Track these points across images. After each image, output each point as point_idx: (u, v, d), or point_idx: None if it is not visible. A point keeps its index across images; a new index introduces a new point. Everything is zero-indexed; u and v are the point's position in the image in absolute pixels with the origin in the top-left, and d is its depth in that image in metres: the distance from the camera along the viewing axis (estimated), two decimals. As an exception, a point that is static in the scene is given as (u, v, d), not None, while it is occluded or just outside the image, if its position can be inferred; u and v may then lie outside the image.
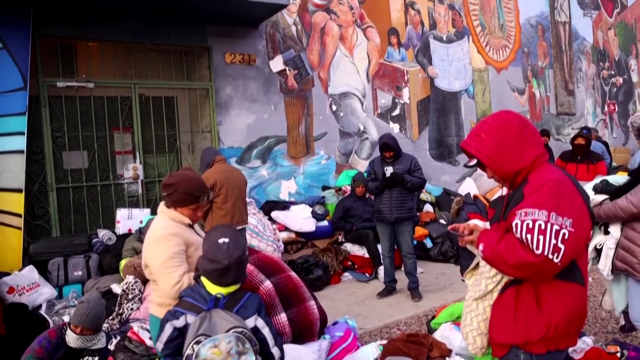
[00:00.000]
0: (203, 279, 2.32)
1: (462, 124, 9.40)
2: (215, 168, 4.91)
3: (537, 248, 1.71)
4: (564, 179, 1.81)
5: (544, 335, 1.80)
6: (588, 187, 3.43)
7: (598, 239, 3.40)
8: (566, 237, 1.70)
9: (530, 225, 1.73)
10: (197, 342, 2.06)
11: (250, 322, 2.26)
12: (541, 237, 1.70)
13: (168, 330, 2.25)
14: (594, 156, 6.66)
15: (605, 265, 3.32)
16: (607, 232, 3.34)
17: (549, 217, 1.71)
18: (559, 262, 1.70)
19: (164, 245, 2.52)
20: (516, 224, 1.78)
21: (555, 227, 1.70)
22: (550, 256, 1.70)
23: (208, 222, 4.83)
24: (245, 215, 5.07)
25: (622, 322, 3.98)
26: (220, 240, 2.28)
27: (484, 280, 1.97)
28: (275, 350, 2.31)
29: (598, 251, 3.38)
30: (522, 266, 1.76)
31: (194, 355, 2.03)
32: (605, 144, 9.66)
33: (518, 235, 1.77)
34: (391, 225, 5.25)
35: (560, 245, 1.69)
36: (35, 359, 2.94)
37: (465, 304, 2.07)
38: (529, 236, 1.73)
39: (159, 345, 2.26)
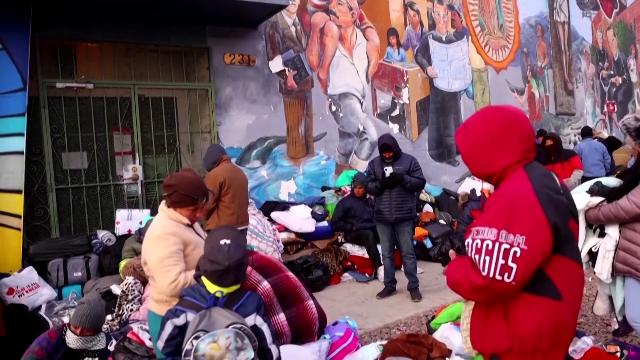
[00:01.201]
0: (203, 279, 2.34)
1: (462, 124, 9.40)
2: (224, 166, 4.90)
3: (484, 270, 1.65)
4: (521, 191, 1.68)
5: (510, 347, 1.72)
6: (583, 188, 3.40)
7: (592, 241, 3.33)
8: (518, 255, 1.61)
9: (479, 245, 1.67)
10: (196, 338, 2.08)
11: (250, 320, 2.28)
12: (487, 258, 1.64)
13: (168, 328, 2.27)
14: (566, 153, 6.99)
15: (602, 268, 3.24)
16: (602, 235, 3.28)
17: (498, 235, 1.64)
18: (512, 282, 1.63)
19: (162, 244, 2.56)
20: (468, 243, 1.72)
21: (505, 246, 1.62)
22: (498, 277, 1.63)
23: (213, 220, 4.79)
24: (247, 216, 5.10)
25: (616, 326, 3.94)
26: (222, 242, 2.30)
27: None
28: (273, 348, 2.32)
29: (592, 254, 3.30)
30: (475, 290, 1.70)
31: (192, 351, 2.04)
32: (611, 142, 9.59)
33: (470, 255, 1.72)
34: (391, 225, 5.25)
35: (511, 264, 1.61)
36: (35, 360, 2.94)
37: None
38: (477, 257, 1.67)
39: (160, 344, 2.28)
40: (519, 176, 1.73)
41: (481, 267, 1.66)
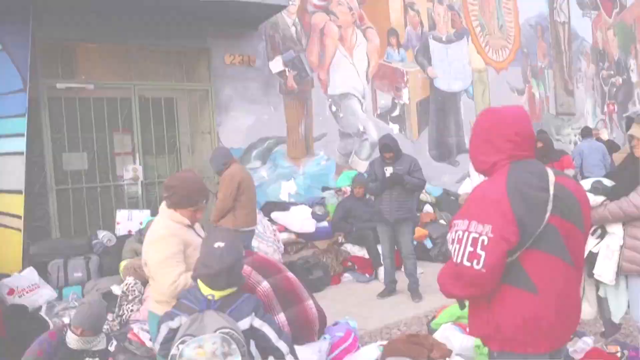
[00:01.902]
0: (198, 281, 2.33)
1: (462, 125, 9.40)
2: (237, 167, 5.05)
3: (455, 257, 1.75)
4: (494, 186, 1.80)
5: (489, 333, 1.83)
6: (584, 186, 3.36)
7: (591, 243, 3.19)
8: (485, 243, 1.69)
9: (453, 236, 1.78)
10: (182, 342, 2.06)
11: (245, 323, 2.26)
12: (457, 246, 1.74)
13: (163, 331, 2.28)
14: (556, 153, 6.95)
15: (605, 268, 3.13)
16: (600, 235, 3.21)
17: (469, 226, 1.74)
18: (482, 269, 1.69)
19: (163, 245, 2.56)
20: (448, 238, 1.83)
21: (473, 235, 1.72)
22: (466, 263, 1.71)
23: (229, 220, 4.89)
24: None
25: (602, 329, 3.87)
26: (216, 245, 2.29)
27: None
28: (281, 344, 2.31)
29: (589, 257, 3.16)
30: (453, 277, 1.79)
31: (177, 355, 2.03)
32: (609, 146, 9.57)
33: (449, 247, 1.82)
34: (391, 225, 5.25)
35: (479, 252, 1.70)
36: (35, 361, 2.94)
37: None
38: (451, 247, 1.79)
39: (156, 346, 2.30)
40: (500, 173, 1.84)
41: (453, 255, 1.76)
